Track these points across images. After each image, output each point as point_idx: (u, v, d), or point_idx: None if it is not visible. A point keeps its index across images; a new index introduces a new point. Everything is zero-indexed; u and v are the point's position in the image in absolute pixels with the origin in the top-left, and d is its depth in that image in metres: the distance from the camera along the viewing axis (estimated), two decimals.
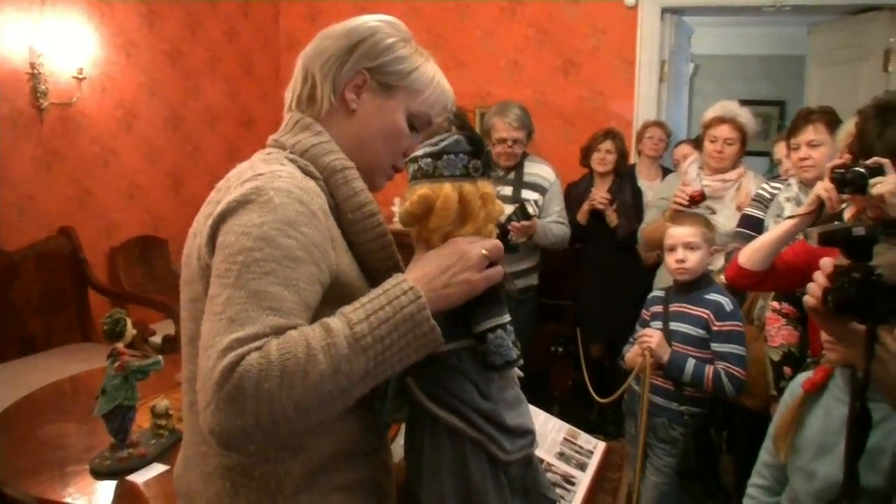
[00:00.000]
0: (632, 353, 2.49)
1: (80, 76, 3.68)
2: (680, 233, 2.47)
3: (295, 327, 0.90)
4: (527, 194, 3.35)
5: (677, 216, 2.68)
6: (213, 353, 0.86)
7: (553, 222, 3.40)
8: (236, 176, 1.02)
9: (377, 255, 1.09)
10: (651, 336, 2.39)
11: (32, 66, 3.47)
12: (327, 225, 1.00)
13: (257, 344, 0.86)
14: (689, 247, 2.44)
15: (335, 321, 0.91)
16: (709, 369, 2.33)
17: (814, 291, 1.10)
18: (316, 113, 1.11)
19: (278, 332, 0.88)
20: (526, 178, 3.42)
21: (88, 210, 3.91)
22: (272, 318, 0.88)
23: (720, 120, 3.08)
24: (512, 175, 3.41)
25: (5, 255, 3.37)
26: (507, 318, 1.05)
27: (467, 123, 3.01)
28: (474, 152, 1.06)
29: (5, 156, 3.43)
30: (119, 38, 4.02)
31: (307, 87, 1.11)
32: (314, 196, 0.99)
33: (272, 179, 0.96)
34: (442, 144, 1.06)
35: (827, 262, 1.11)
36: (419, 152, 1.08)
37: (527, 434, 1.13)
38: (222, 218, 0.95)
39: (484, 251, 1.02)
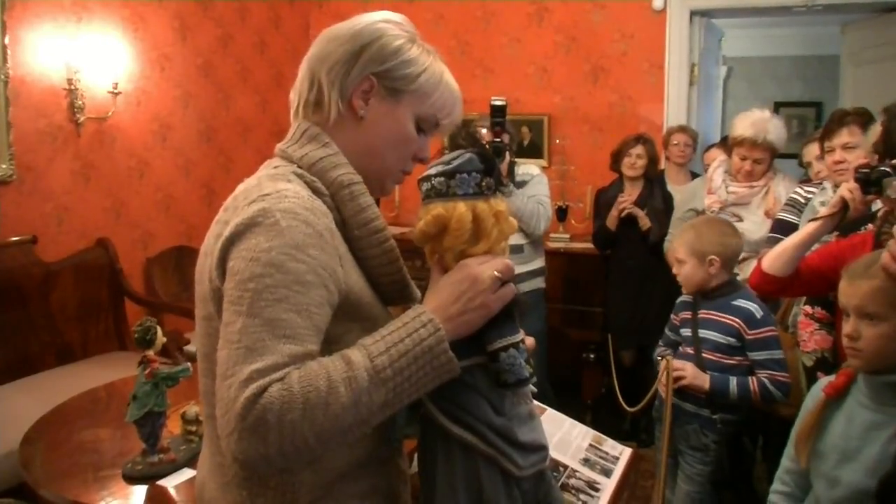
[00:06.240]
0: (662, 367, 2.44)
1: (116, 91, 3.76)
2: (671, 248, 2.44)
3: (311, 353, 0.92)
4: (519, 194, 3.25)
5: None
6: (234, 383, 0.87)
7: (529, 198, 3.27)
8: (243, 195, 1.02)
9: (384, 270, 1.10)
10: (683, 369, 2.33)
11: (70, 81, 3.56)
12: (334, 244, 1.00)
13: (278, 375, 0.87)
14: (677, 261, 2.43)
15: (355, 353, 0.93)
16: (753, 382, 2.26)
17: None
18: (323, 120, 1.10)
19: (295, 360, 0.90)
20: (517, 179, 3.34)
21: (124, 221, 4.00)
22: (288, 347, 0.90)
23: (752, 142, 2.99)
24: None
25: (44, 265, 3.45)
26: (519, 336, 1.06)
27: (479, 141, 2.99)
28: (487, 170, 1.06)
29: (44, 169, 3.53)
30: (153, 53, 4.11)
31: (313, 92, 1.10)
32: (320, 216, 0.99)
33: (278, 200, 0.96)
34: (454, 164, 1.06)
35: None
36: (431, 171, 1.08)
37: (540, 450, 1.14)
38: (231, 242, 0.96)
39: (496, 272, 1.03)
